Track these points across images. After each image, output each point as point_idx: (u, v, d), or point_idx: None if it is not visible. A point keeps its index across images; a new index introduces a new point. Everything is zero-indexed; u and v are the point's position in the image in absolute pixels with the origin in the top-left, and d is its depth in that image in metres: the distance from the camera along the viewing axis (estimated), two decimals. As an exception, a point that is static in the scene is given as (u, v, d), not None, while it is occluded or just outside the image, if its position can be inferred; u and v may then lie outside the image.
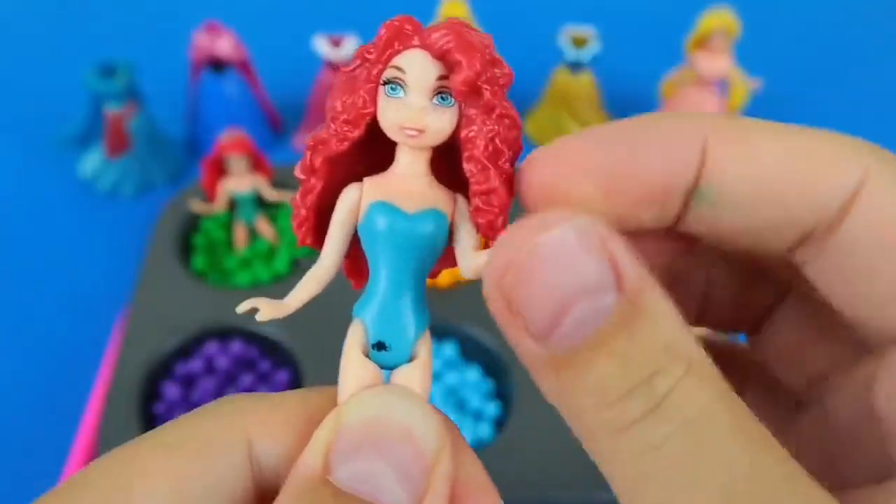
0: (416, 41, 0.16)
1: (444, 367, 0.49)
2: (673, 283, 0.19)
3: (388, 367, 0.17)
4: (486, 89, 0.16)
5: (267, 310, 0.18)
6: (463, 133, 0.16)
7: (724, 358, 0.21)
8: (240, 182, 0.56)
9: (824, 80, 0.84)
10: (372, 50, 0.17)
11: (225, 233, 0.58)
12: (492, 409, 0.48)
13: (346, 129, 0.17)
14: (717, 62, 0.65)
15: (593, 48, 0.67)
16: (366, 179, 0.17)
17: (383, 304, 0.17)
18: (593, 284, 0.14)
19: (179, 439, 0.16)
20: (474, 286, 0.20)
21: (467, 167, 0.16)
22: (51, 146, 0.67)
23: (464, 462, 0.16)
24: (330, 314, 0.52)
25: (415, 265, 0.17)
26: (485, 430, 0.46)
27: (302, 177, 0.17)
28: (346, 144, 0.17)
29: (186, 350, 0.50)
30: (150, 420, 0.47)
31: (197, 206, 0.57)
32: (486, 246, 0.17)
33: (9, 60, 0.82)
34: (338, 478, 0.15)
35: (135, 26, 0.87)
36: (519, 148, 0.17)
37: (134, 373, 0.47)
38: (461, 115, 0.17)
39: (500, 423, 0.47)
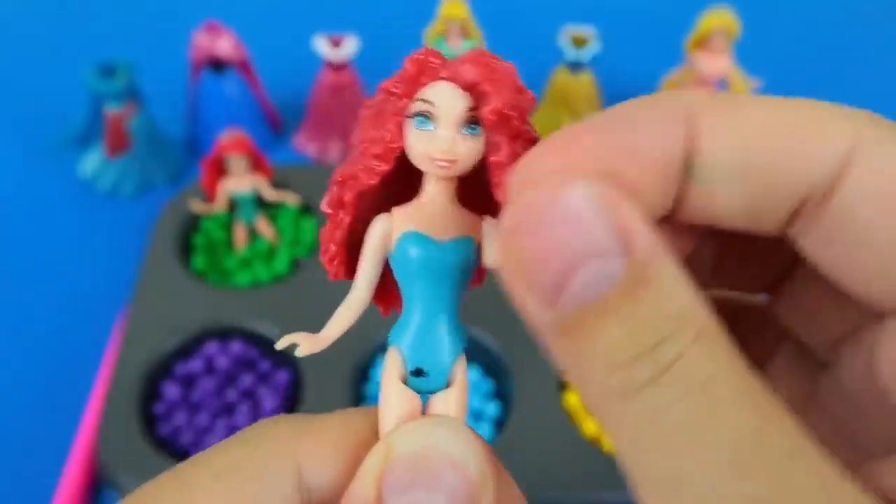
0: (443, 73, 0.17)
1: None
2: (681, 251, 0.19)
3: (426, 392, 0.18)
4: (514, 116, 0.17)
5: (306, 345, 0.18)
6: (492, 158, 0.17)
7: (759, 317, 0.20)
8: (240, 182, 0.56)
9: (824, 80, 0.84)
10: (398, 84, 0.17)
11: (225, 233, 0.58)
12: (492, 409, 0.48)
13: (375, 163, 0.17)
14: (717, 62, 0.65)
15: (593, 48, 0.67)
16: (394, 210, 0.18)
17: (419, 331, 0.18)
18: (601, 247, 0.13)
19: (232, 466, 0.16)
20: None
21: (498, 192, 0.17)
22: (51, 146, 0.67)
23: (502, 484, 0.17)
24: (328, 315, 0.52)
25: (448, 291, 0.18)
26: (485, 430, 0.46)
27: (329, 211, 0.18)
28: (376, 178, 0.17)
29: (186, 350, 0.50)
30: (150, 420, 0.47)
31: (197, 206, 0.57)
32: None
33: (9, 60, 0.82)
34: None
35: (135, 26, 0.87)
36: None
37: (134, 373, 0.47)
38: (487, 142, 0.17)
39: (500, 423, 0.47)
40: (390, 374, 0.18)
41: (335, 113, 0.68)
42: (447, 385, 0.18)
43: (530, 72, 0.75)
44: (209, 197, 0.57)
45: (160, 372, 0.49)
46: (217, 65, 0.66)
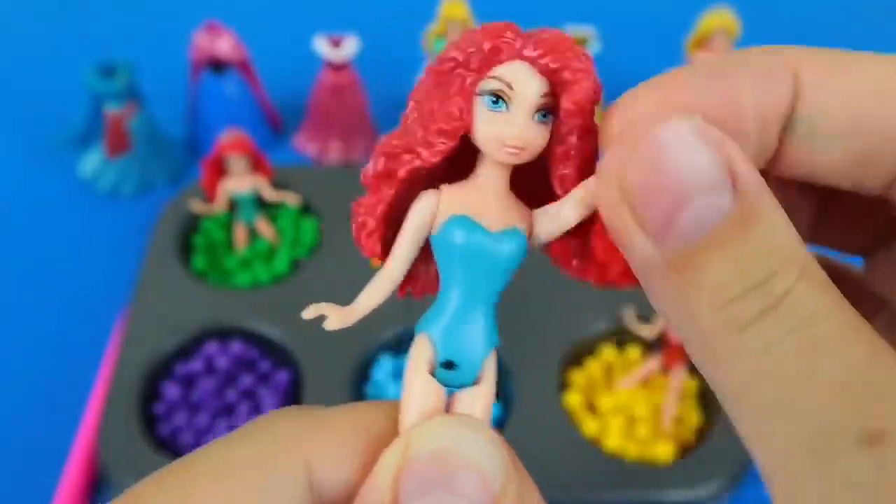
0: (524, 52, 0.16)
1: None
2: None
3: (453, 387, 0.17)
4: (590, 110, 0.16)
5: (336, 317, 0.17)
6: (558, 149, 0.16)
7: (854, 284, 0.20)
8: (240, 182, 0.56)
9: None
10: (472, 55, 0.16)
11: (225, 233, 0.58)
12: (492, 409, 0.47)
13: (440, 139, 0.16)
14: (718, 62, 0.64)
15: (593, 48, 0.67)
16: (444, 188, 0.17)
17: (454, 321, 0.16)
18: (710, 181, 0.14)
19: (234, 463, 0.15)
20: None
21: (560, 185, 0.16)
22: (51, 146, 0.67)
23: (524, 489, 0.16)
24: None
25: (490, 282, 0.16)
26: (485, 431, 0.46)
27: (372, 183, 0.16)
28: (439, 156, 0.16)
29: (186, 350, 0.50)
30: (150, 420, 0.47)
31: (197, 206, 0.57)
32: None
33: (9, 60, 0.82)
34: None
35: (135, 26, 0.87)
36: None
37: (134, 373, 0.47)
38: (554, 132, 0.16)
39: (500, 424, 0.47)
40: (417, 363, 0.16)
41: (335, 113, 0.68)
42: (475, 382, 0.17)
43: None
44: (209, 197, 0.57)
45: (160, 372, 0.49)
46: (217, 65, 0.66)
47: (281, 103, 0.73)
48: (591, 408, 0.48)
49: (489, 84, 0.16)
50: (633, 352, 0.51)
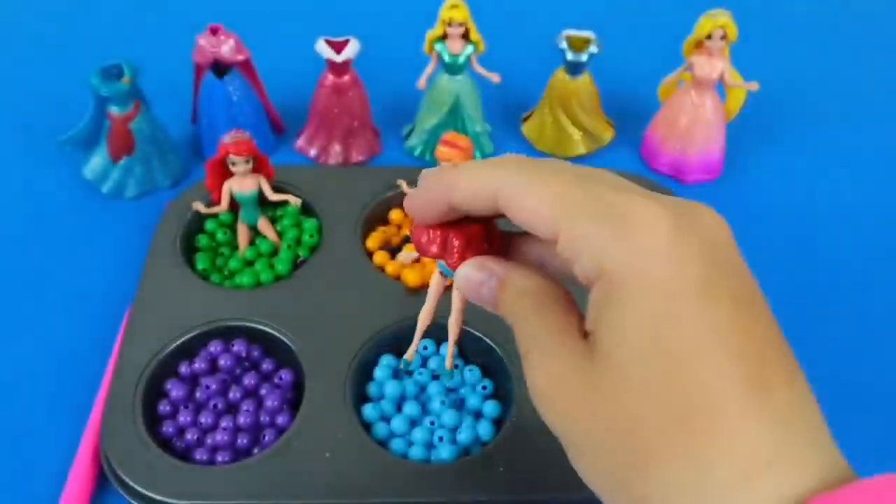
0: None
1: (444, 368, 0.49)
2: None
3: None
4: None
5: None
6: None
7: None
8: (242, 183, 0.57)
9: (823, 82, 0.84)
10: None
11: (227, 233, 0.59)
12: (491, 408, 0.48)
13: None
14: (715, 64, 0.65)
15: (592, 50, 0.67)
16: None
17: None
18: (485, 277, 0.30)
19: None
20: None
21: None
22: (55, 147, 0.68)
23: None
24: (331, 314, 0.52)
25: None
26: (485, 430, 0.47)
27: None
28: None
29: (190, 350, 0.50)
30: (153, 420, 0.47)
31: (200, 206, 0.58)
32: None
33: (13, 62, 0.83)
34: None
35: (139, 29, 0.88)
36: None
37: (138, 372, 0.48)
38: None
39: (499, 423, 0.47)
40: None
41: (337, 115, 0.68)
42: None
43: (530, 74, 0.75)
44: (212, 198, 0.57)
45: (164, 371, 0.49)
46: (220, 67, 0.66)
47: (283, 105, 0.74)
48: (591, 407, 0.48)
49: None
50: (632, 351, 0.51)
